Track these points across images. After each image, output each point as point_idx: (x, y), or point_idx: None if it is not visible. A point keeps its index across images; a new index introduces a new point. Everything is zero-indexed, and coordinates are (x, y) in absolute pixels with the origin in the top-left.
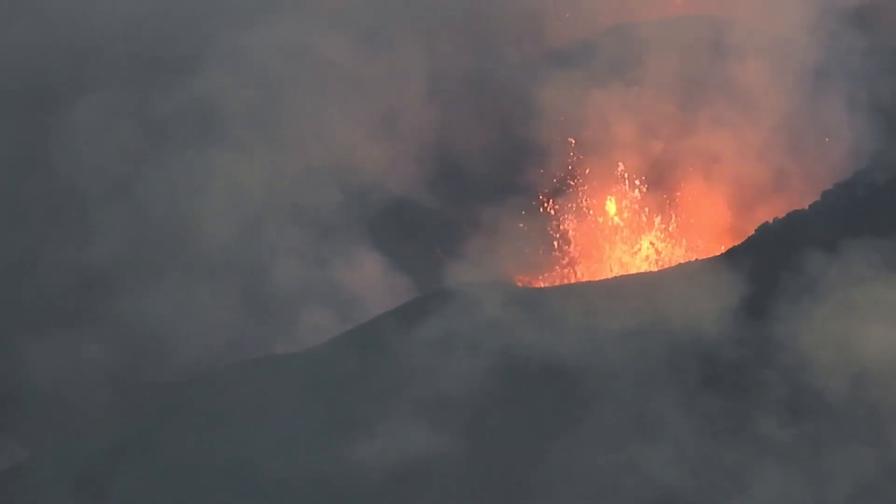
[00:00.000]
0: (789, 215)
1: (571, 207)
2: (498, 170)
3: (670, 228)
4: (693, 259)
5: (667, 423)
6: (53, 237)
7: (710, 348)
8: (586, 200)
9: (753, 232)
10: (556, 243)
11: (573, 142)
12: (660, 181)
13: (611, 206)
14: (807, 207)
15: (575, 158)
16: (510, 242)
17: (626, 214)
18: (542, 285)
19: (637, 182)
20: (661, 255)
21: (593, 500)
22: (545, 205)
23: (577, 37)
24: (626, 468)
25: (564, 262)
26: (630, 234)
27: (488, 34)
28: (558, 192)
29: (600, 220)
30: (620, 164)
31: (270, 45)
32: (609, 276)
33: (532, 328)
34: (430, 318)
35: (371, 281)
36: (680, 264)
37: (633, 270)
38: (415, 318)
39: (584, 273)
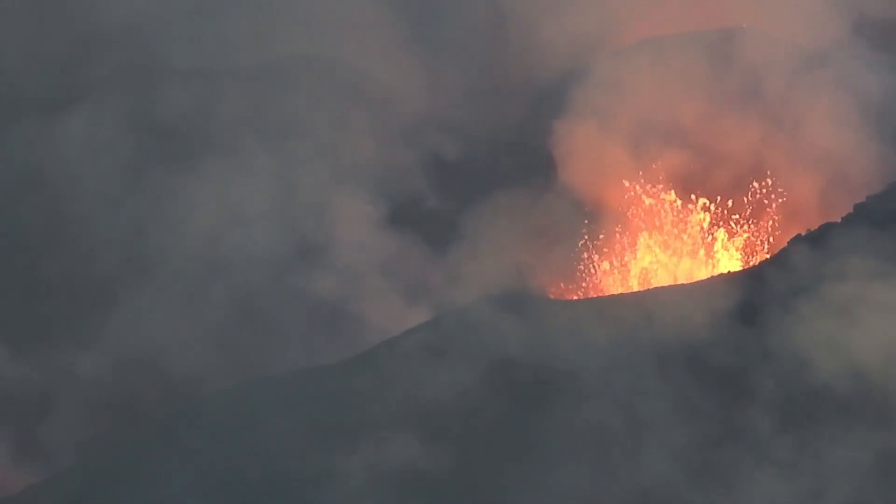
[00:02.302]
0: (822, 227)
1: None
2: (508, 173)
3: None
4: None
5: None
6: (51, 251)
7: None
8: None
9: (786, 244)
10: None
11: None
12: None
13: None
14: (839, 220)
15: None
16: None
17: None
18: (575, 297)
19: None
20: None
21: None
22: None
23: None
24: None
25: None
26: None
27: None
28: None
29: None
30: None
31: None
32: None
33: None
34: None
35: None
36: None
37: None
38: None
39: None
